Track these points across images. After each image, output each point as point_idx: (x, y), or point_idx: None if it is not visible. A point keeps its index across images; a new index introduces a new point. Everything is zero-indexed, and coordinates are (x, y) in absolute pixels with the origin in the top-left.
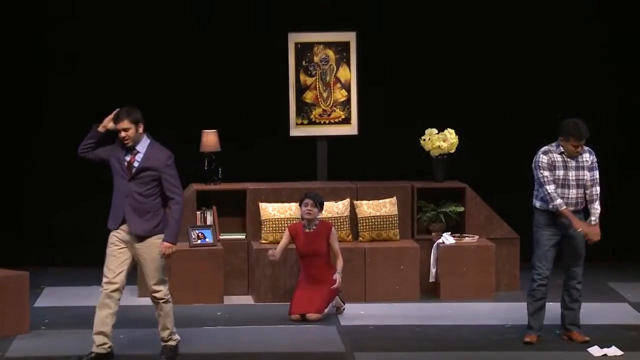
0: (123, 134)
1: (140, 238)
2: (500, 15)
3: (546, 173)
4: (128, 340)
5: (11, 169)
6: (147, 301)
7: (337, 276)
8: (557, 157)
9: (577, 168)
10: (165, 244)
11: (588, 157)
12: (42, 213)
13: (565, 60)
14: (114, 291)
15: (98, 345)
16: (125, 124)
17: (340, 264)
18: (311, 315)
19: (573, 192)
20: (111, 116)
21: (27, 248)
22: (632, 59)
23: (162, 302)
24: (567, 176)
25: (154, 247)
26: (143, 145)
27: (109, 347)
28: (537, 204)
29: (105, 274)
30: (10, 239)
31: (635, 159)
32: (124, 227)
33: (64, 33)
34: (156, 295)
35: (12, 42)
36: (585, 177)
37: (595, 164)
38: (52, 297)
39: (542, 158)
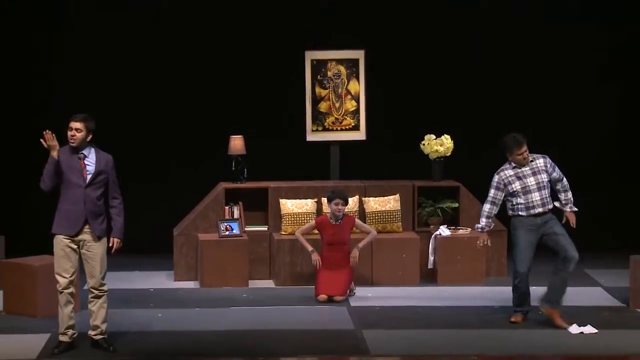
0: (73, 132)
1: (97, 238)
2: (491, 29)
3: (492, 192)
4: (165, 318)
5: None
6: (182, 284)
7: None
8: (510, 173)
9: (534, 173)
10: (117, 240)
11: (542, 162)
12: None
13: (556, 71)
14: (73, 289)
15: (70, 337)
16: (78, 124)
17: (372, 235)
18: (337, 297)
19: (536, 195)
20: (48, 141)
21: None
22: (628, 62)
23: (105, 295)
24: (526, 184)
25: (103, 244)
26: (89, 151)
27: (76, 335)
28: (510, 212)
29: (62, 275)
30: None
31: (618, 155)
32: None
33: (88, 33)
34: (103, 288)
35: (15, 41)
36: (544, 179)
37: (553, 165)
38: None
39: (494, 178)
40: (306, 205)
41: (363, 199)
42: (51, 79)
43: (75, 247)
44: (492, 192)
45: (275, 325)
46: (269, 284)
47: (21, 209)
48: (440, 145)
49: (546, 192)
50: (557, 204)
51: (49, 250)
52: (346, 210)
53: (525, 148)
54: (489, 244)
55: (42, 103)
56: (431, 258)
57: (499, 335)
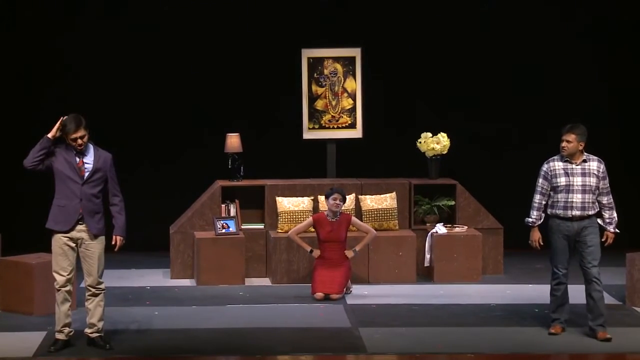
0: (80, 141)
1: (94, 236)
2: (490, 28)
3: (540, 181)
4: (162, 316)
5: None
6: (178, 282)
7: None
8: (559, 165)
9: (583, 174)
10: (120, 237)
11: (596, 166)
12: None
13: (559, 72)
14: (70, 287)
15: (67, 334)
16: (82, 131)
17: (370, 236)
18: (334, 295)
19: (578, 197)
20: (58, 125)
21: None
22: (626, 60)
23: (103, 293)
24: (570, 182)
25: (101, 243)
26: (87, 148)
27: (72, 332)
28: (548, 210)
29: (60, 273)
30: None
31: (617, 155)
32: (76, 227)
33: (86, 35)
34: (100, 286)
35: (16, 42)
36: (592, 184)
37: (605, 174)
38: None
39: (543, 167)
40: (302, 203)
41: (359, 196)
42: (52, 79)
43: (73, 245)
44: (539, 181)
45: (272, 323)
46: (266, 281)
47: (18, 206)
48: (437, 143)
49: (590, 197)
50: (600, 221)
51: (46, 248)
52: (343, 208)
53: (568, 137)
54: (541, 243)
55: (41, 102)
56: (427, 256)
57: (496, 334)
